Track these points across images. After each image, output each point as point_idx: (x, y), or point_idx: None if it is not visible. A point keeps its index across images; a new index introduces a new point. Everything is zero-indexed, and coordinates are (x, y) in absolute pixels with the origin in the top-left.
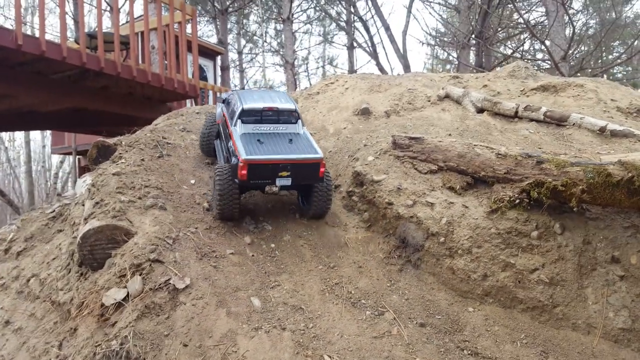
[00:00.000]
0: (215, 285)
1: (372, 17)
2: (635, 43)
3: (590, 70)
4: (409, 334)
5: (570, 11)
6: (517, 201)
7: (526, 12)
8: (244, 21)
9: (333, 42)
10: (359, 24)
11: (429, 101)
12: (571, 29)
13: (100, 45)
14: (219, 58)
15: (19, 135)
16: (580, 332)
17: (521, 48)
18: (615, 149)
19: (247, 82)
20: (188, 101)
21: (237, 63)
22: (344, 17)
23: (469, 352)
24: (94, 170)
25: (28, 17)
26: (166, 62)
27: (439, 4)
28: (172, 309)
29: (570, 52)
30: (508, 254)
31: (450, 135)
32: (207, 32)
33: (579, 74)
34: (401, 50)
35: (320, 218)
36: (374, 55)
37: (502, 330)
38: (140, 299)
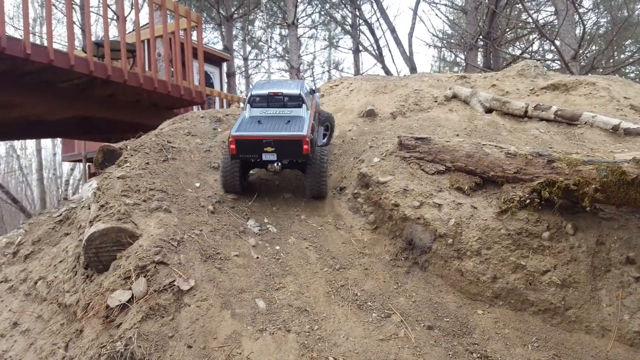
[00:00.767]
0: (220, 287)
1: (378, 20)
2: None
3: (601, 70)
4: (416, 336)
5: (581, 10)
6: (528, 201)
7: (535, 12)
8: (249, 27)
9: (338, 46)
10: (364, 27)
11: (436, 102)
12: (581, 28)
13: (107, 53)
14: (224, 64)
15: (30, 143)
16: (593, 335)
17: (530, 48)
18: (629, 147)
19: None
20: (195, 108)
21: (243, 69)
22: (349, 20)
23: (478, 355)
24: (100, 174)
25: (37, 28)
26: (172, 69)
27: (446, 5)
28: (177, 311)
29: (581, 51)
30: (518, 255)
31: (457, 135)
32: (212, 39)
33: (589, 74)
34: (407, 53)
35: (319, 198)
36: (379, 58)
37: (512, 334)
38: (145, 300)
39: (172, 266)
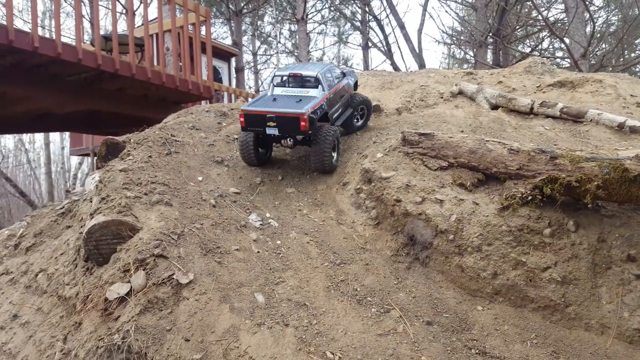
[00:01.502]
0: (219, 280)
1: (387, 16)
2: None
3: (611, 68)
4: (415, 332)
5: (591, 8)
6: (530, 198)
7: (545, 9)
8: (259, 22)
9: (348, 42)
10: (373, 24)
11: (442, 98)
12: (592, 26)
13: (115, 47)
14: (233, 59)
15: (39, 137)
16: (593, 333)
17: (540, 46)
18: (634, 145)
19: (262, 83)
20: (203, 103)
21: (252, 64)
22: (359, 16)
23: (477, 351)
24: (103, 167)
25: (46, 21)
26: (180, 63)
27: (456, 1)
28: (175, 304)
29: (591, 49)
30: (519, 252)
31: (462, 131)
32: (221, 34)
33: (598, 72)
34: (416, 49)
35: (322, 173)
36: (388, 54)
37: (511, 330)
38: (144, 293)
39: (171, 259)
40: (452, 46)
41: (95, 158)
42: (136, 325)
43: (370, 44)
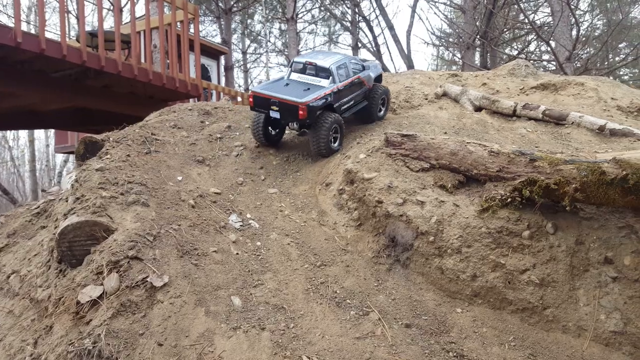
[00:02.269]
0: (195, 283)
1: (377, 17)
2: None
3: (595, 71)
4: (393, 334)
5: (577, 12)
6: (509, 200)
7: (532, 12)
8: (249, 21)
9: (338, 42)
10: (363, 24)
11: (427, 99)
12: (577, 30)
13: (100, 43)
14: (222, 58)
15: (23, 134)
16: (570, 335)
17: (527, 49)
18: (613, 147)
19: (252, 82)
20: (191, 101)
21: (242, 63)
22: (349, 17)
23: (455, 354)
24: (81, 166)
25: (32, 17)
26: (168, 61)
27: (444, 3)
28: (149, 308)
29: (575, 52)
30: (498, 253)
31: (446, 133)
32: (211, 32)
33: (583, 75)
34: (405, 51)
35: (319, 156)
36: (378, 55)
37: (490, 332)
38: (116, 296)
39: (146, 262)
40: (441, 48)
41: (74, 156)
42: (108, 330)
43: (359, 45)
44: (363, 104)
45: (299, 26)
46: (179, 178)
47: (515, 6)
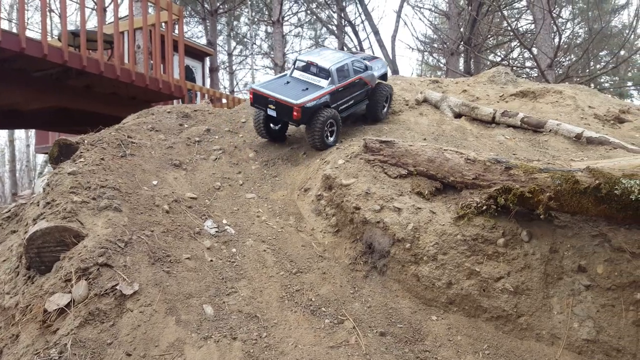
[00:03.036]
0: (166, 291)
1: (362, 22)
2: (622, 52)
3: (577, 79)
4: (367, 343)
5: (559, 20)
6: (484, 207)
7: (515, 20)
8: (235, 23)
9: (324, 45)
10: (349, 29)
11: (407, 105)
12: (558, 38)
13: (82, 43)
14: (207, 59)
15: (3, 134)
16: (544, 343)
17: (510, 55)
18: (589, 156)
19: (237, 84)
20: (175, 102)
21: (227, 65)
22: (335, 21)
23: None
24: (55, 169)
25: (14, 14)
26: (151, 61)
27: (430, 9)
28: (118, 316)
29: (557, 59)
30: (473, 261)
31: (425, 139)
32: (196, 33)
33: (566, 82)
34: (390, 56)
35: (317, 150)
36: None
37: (464, 340)
38: (85, 305)
39: (116, 269)
40: (425, 53)
41: (48, 159)
42: (75, 339)
43: (345, 49)
44: (364, 104)
45: (285, 29)
46: (154, 182)
47: (499, 13)
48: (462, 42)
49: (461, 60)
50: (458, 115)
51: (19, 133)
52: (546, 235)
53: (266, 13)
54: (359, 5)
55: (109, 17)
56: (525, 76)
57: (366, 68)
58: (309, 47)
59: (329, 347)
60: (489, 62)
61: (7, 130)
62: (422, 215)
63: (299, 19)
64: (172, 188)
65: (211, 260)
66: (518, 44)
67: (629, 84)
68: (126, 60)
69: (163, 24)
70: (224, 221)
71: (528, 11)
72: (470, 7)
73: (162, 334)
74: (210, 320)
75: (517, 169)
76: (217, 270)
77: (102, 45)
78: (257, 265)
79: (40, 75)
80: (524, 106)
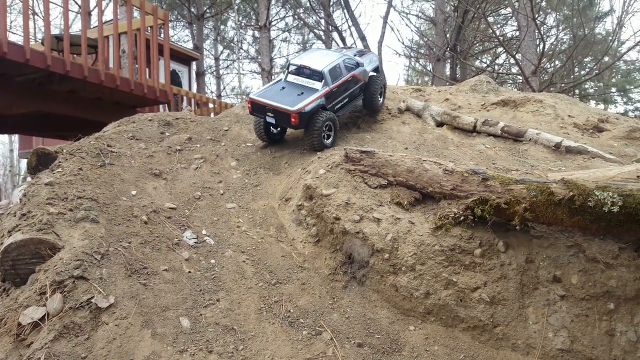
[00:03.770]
0: (143, 304)
1: (350, 27)
2: (605, 59)
3: (562, 85)
4: (344, 354)
5: (544, 27)
6: (462, 218)
7: (501, 26)
8: (222, 27)
9: (313, 48)
10: (336, 34)
11: (390, 114)
12: (542, 45)
13: (66, 48)
14: (194, 64)
15: None
16: (519, 353)
17: (496, 62)
18: (567, 165)
19: (224, 88)
20: (161, 107)
21: (214, 69)
22: (322, 26)
23: None
24: (32, 179)
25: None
26: (137, 66)
27: (416, 15)
28: (93, 330)
29: (541, 66)
30: (451, 271)
31: (407, 148)
32: (183, 37)
33: (552, 89)
34: None
35: (314, 151)
36: None
37: (441, 350)
38: (59, 318)
39: (92, 281)
40: (412, 59)
41: (25, 169)
42: (48, 353)
43: (337, 46)
44: (360, 99)
45: (272, 34)
46: (133, 192)
47: (485, 20)
48: (448, 49)
49: (447, 66)
50: (440, 124)
51: (2, 138)
52: (522, 245)
53: (253, 18)
54: (345, 11)
55: (94, 21)
56: (510, 82)
57: (357, 65)
58: (297, 52)
59: (305, 359)
60: (474, 69)
61: None
62: (401, 225)
63: (287, 24)
64: (151, 198)
65: (189, 272)
66: (503, 51)
67: (613, 89)
68: (111, 65)
69: (149, 28)
70: (204, 232)
71: (513, 18)
72: (456, 14)
73: (138, 348)
74: (186, 333)
75: (493, 180)
76: (195, 282)
77: (86, 50)
78: (236, 276)
79: (22, 80)
80: (505, 115)
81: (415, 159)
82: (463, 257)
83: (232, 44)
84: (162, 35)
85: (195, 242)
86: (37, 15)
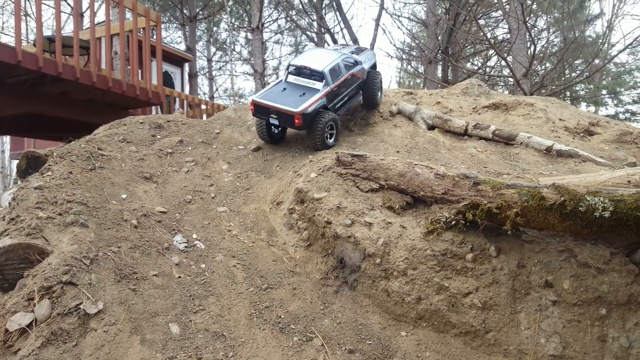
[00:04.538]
0: (132, 310)
1: (342, 30)
2: (596, 61)
3: (553, 87)
4: None
5: (534, 29)
6: (454, 222)
7: (492, 29)
8: (214, 29)
9: (309, 46)
10: (328, 36)
11: (382, 117)
12: (533, 47)
13: (58, 49)
14: (186, 65)
15: None
16: (511, 359)
17: (487, 64)
18: (558, 169)
19: (217, 89)
20: (153, 108)
21: (207, 70)
22: (315, 28)
23: None
24: (22, 182)
25: None
26: (129, 68)
27: (408, 18)
28: (81, 336)
29: (532, 69)
30: (442, 276)
31: (398, 152)
32: (175, 39)
33: (543, 91)
34: None
35: (317, 150)
36: None
37: (433, 356)
38: (47, 324)
39: (81, 287)
40: (404, 61)
41: (15, 172)
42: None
43: (335, 43)
44: (359, 96)
45: (265, 36)
46: (124, 196)
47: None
48: (439, 51)
49: (439, 69)
50: (431, 127)
51: None
52: (514, 250)
53: (246, 19)
54: (338, 14)
55: (86, 22)
56: (502, 84)
57: (356, 63)
58: (289, 54)
59: None
60: (466, 71)
61: None
62: (392, 230)
63: (279, 26)
64: (141, 202)
65: (179, 277)
66: (494, 53)
67: (604, 92)
68: (103, 67)
69: (141, 29)
70: (194, 236)
71: (504, 21)
72: (447, 16)
73: (126, 355)
74: (175, 339)
75: (485, 184)
76: (185, 287)
77: (78, 51)
78: (227, 281)
79: (13, 82)
80: (496, 118)
81: (406, 163)
82: (455, 262)
83: (225, 46)
84: (155, 37)
85: (185, 247)
86: (29, 17)
